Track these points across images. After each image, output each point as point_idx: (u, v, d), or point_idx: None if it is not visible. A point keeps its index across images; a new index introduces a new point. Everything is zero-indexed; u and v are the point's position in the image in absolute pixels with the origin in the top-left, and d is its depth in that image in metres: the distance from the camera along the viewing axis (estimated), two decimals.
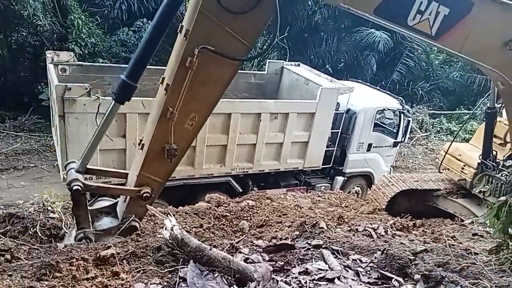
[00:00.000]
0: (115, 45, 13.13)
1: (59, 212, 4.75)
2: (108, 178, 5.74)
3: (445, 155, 8.02)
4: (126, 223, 4.09)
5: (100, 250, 3.46)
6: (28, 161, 10.85)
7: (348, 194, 8.61)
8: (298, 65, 10.67)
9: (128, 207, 4.17)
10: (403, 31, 4.75)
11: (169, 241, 3.32)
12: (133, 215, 4.16)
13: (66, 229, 4.43)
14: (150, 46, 3.64)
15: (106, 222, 4.26)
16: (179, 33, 3.59)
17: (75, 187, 3.80)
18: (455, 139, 9.30)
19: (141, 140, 4.05)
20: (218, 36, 3.54)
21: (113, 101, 3.80)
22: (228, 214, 5.65)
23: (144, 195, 4.04)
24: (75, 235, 4.06)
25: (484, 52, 5.11)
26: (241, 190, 8.34)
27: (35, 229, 4.31)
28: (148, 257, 3.40)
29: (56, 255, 3.40)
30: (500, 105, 6.93)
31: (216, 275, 2.97)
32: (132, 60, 3.70)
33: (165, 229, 3.60)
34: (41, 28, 12.54)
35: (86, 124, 6.74)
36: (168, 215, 4.38)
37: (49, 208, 4.80)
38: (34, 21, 12.22)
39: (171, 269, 3.18)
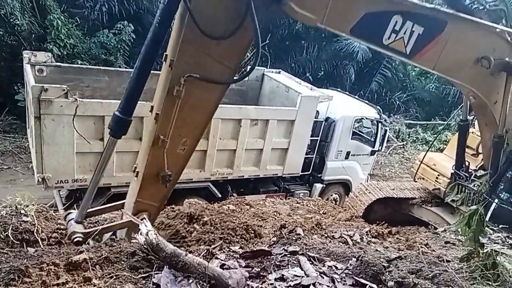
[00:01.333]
0: (94, 47, 12.92)
1: (32, 216, 4.62)
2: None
3: (420, 165, 8.22)
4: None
5: (72, 255, 3.38)
6: (2, 163, 10.54)
7: (326, 201, 8.72)
8: (279, 72, 10.77)
9: (127, 232, 4.16)
10: (379, 49, 4.84)
11: (144, 246, 3.27)
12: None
13: (38, 235, 4.34)
14: (140, 78, 3.65)
15: None
16: (164, 62, 3.65)
17: (76, 240, 3.85)
18: (430, 149, 9.55)
19: (135, 168, 4.08)
20: (202, 63, 3.63)
21: (110, 137, 3.80)
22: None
23: (142, 219, 3.99)
24: None
25: (457, 69, 5.31)
26: (220, 196, 8.31)
27: (6, 233, 4.18)
28: (122, 262, 3.34)
29: (25, 260, 3.30)
30: (472, 117, 7.17)
31: (190, 281, 2.95)
32: (124, 95, 3.70)
33: (140, 234, 3.55)
34: (18, 28, 12.22)
35: (63, 126, 6.61)
36: (144, 219, 4.34)
37: (22, 211, 4.67)
38: (11, 20, 11.91)
39: (145, 275, 3.13)
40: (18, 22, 11.92)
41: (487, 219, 6.17)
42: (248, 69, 10.64)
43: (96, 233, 4.03)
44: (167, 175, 3.94)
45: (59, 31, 11.84)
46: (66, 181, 6.94)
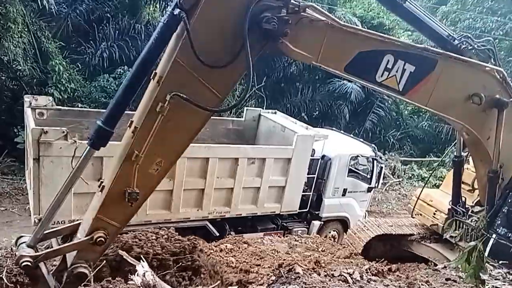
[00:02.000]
0: (95, 90, 13.25)
1: None
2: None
3: (417, 201, 8.27)
4: (73, 270, 3.67)
5: None
6: None
7: (325, 239, 8.64)
8: (275, 113, 11.02)
9: (78, 252, 3.76)
10: (373, 86, 5.00)
11: (141, 287, 3.25)
12: (83, 261, 3.76)
13: None
14: (128, 92, 3.59)
15: None
16: (152, 80, 3.59)
17: (24, 264, 3.49)
18: (426, 185, 9.62)
19: (101, 182, 3.78)
20: (191, 86, 3.56)
21: (88, 147, 3.67)
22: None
23: (98, 239, 3.67)
24: None
25: (448, 106, 5.43)
26: (218, 234, 8.25)
27: (1, 275, 4.14)
28: None
29: None
30: (466, 153, 7.31)
31: None
32: (109, 106, 3.66)
33: (137, 275, 3.53)
34: (20, 73, 12.59)
35: (61, 168, 6.66)
36: (141, 260, 4.30)
37: (17, 253, 4.63)
38: (14, 66, 12.29)
39: None
40: (20, 68, 12.27)
41: (486, 254, 6.16)
42: (245, 110, 10.90)
43: (46, 256, 3.70)
44: (134, 193, 3.64)
45: (61, 76, 12.16)
46: (63, 222, 6.88)
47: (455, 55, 5.31)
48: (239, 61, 3.57)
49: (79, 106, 11.96)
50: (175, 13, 3.31)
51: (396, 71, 4.82)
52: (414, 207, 8.34)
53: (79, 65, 13.62)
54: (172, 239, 4.44)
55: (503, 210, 6.49)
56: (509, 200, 6.38)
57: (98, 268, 3.95)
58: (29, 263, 3.46)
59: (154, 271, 4.06)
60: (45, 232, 3.78)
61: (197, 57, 3.39)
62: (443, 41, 5.85)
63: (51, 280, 3.65)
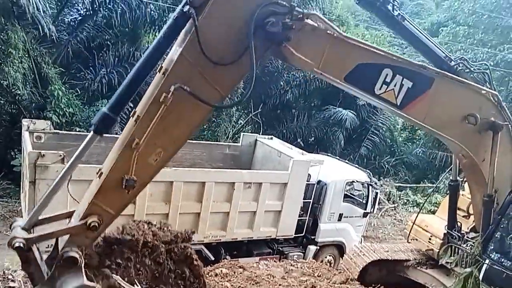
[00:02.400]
0: (93, 115, 13.32)
1: (19, 281, 4.56)
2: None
3: (412, 226, 8.28)
4: (63, 254, 3.57)
5: None
6: None
7: (321, 263, 8.56)
8: (271, 138, 11.16)
9: (71, 236, 3.70)
10: (372, 99, 5.11)
11: None
12: (75, 246, 3.65)
13: None
14: (134, 83, 3.63)
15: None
16: (158, 72, 3.69)
17: (16, 245, 3.43)
18: (421, 211, 9.66)
19: (100, 169, 3.74)
20: (195, 81, 3.67)
21: (91, 132, 3.64)
22: None
23: (92, 224, 3.61)
24: None
25: (445, 124, 5.56)
26: (213, 259, 8.17)
27: None
28: None
29: None
30: (462, 178, 7.39)
31: None
32: (115, 95, 3.68)
33: None
34: (19, 97, 12.71)
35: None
36: (135, 284, 4.27)
37: (10, 276, 4.61)
38: (13, 90, 12.43)
39: None
40: (19, 92, 12.39)
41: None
42: (241, 135, 10.94)
43: (38, 238, 3.61)
44: (132, 180, 3.62)
45: (59, 101, 12.28)
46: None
47: (451, 75, 5.47)
48: (242, 62, 3.70)
49: (77, 130, 12.03)
50: (184, 10, 3.46)
51: (394, 86, 4.96)
52: (410, 232, 8.34)
53: (78, 90, 13.78)
54: (165, 228, 4.22)
55: (496, 235, 6.55)
56: (502, 226, 6.45)
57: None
58: (21, 245, 3.42)
59: (145, 259, 3.88)
60: (40, 218, 3.71)
61: (203, 52, 3.51)
62: (439, 61, 5.99)
63: (43, 265, 3.61)
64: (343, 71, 4.62)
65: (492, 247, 6.48)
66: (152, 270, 3.77)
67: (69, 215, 3.87)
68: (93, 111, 13.44)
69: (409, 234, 8.37)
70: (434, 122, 5.45)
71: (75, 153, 3.64)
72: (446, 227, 7.29)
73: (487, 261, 6.26)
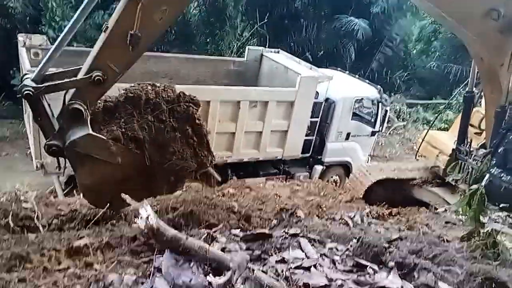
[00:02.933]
0: (90, 28, 12.68)
1: (32, 202, 4.63)
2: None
3: (421, 143, 8.20)
4: (68, 106, 3.72)
5: (73, 240, 3.39)
6: (0, 149, 10.47)
7: (327, 183, 8.69)
8: (278, 52, 10.62)
9: (76, 91, 3.80)
10: None
11: (145, 230, 3.27)
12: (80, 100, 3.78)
13: (38, 221, 4.31)
14: None
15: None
16: None
17: (25, 92, 3.61)
18: (431, 128, 9.50)
19: (105, 24, 3.74)
20: None
21: None
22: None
23: (96, 78, 3.69)
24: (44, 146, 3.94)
25: (465, 16, 5.37)
26: (220, 179, 8.28)
27: (7, 220, 4.19)
28: (123, 247, 3.36)
29: (26, 246, 3.31)
30: (478, 92, 7.06)
31: (192, 264, 2.96)
32: None
33: (141, 218, 3.54)
34: (13, 11, 12.02)
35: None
36: (144, 203, 4.33)
37: (22, 198, 4.67)
38: (5, 3, 11.70)
39: (146, 259, 3.15)
40: (12, 5, 11.72)
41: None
42: (246, 49, 10.56)
43: (47, 89, 3.75)
44: (137, 36, 3.62)
45: (54, 13, 11.66)
46: (65, 167, 6.91)
47: None
48: None
49: (74, 45, 11.50)
50: None
51: None
52: (418, 149, 8.30)
53: (72, 1, 12.92)
54: (169, 89, 4.13)
55: (499, 150, 6.43)
56: (506, 141, 6.27)
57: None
58: (30, 93, 3.58)
59: (147, 116, 3.88)
60: (48, 73, 3.80)
61: None
62: None
63: (54, 121, 3.77)
64: None
65: (494, 162, 6.39)
66: (155, 126, 3.82)
67: (74, 72, 3.92)
68: (89, 24, 12.71)
69: (417, 151, 8.35)
70: (456, 12, 5.26)
71: (78, 11, 3.68)
72: (456, 142, 7.18)
73: (486, 175, 6.21)
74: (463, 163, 7.02)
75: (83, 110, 3.72)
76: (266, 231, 4.06)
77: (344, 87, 10.03)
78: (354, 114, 10.07)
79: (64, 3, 12.41)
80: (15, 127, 11.40)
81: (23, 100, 8.13)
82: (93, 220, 4.29)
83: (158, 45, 14.13)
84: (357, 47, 17.79)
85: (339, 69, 11.82)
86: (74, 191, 7.46)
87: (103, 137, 3.77)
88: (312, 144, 9.70)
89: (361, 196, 7.52)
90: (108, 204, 4.08)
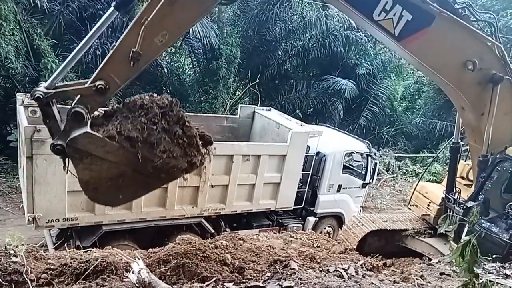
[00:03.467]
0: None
1: (22, 256, 4.56)
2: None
3: (413, 192, 8.37)
4: (72, 109, 4.11)
5: None
6: None
7: (320, 234, 8.67)
8: (269, 109, 11.03)
9: (80, 97, 4.21)
10: (370, 24, 5.21)
11: (136, 285, 3.25)
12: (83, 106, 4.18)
13: (27, 276, 4.24)
14: None
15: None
16: None
17: (36, 95, 4.05)
18: (421, 179, 9.76)
19: (113, 44, 4.33)
20: None
21: (112, 8, 4.15)
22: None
23: (99, 86, 4.14)
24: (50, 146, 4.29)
25: (443, 66, 5.62)
26: (213, 231, 8.25)
27: None
28: None
29: None
30: (464, 143, 7.30)
31: None
32: None
33: (132, 273, 3.53)
34: (13, 71, 12.46)
35: (55, 165, 6.61)
36: (136, 257, 4.30)
37: (11, 252, 4.60)
38: (6, 64, 12.16)
39: None
40: (12, 66, 12.13)
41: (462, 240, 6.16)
42: (239, 107, 11.03)
43: (55, 94, 4.15)
44: (138, 53, 4.13)
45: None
46: (57, 220, 6.87)
47: (454, 17, 5.41)
48: None
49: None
50: None
51: (393, 15, 5.11)
52: (411, 198, 8.47)
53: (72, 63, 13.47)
54: (164, 98, 4.39)
55: (479, 198, 6.50)
56: (486, 189, 6.41)
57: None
58: (40, 96, 4.02)
59: (141, 118, 4.14)
60: (59, 84, 4.24)
61: None
62: (443, 1, 5.77)
63: (58, 117, 4.18)
64: None
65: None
66: (147, 127, 4.09)
67: (84, 84, 4.36)
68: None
69: (409, 200, 8.50)
70: (431, 61, 5.51)
71: (94, 27, 4.17)
72: (444, 191, 7.30)
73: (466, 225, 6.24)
74: (452, 214, 7.09)
75: (84, 114, 4.11)
76: (260, 283, 4.03)
77: (334, 142, 10.35)
78: (345, 167, 10.30)
79: None
80: (8, 182, 11.39)
81: (18, 155, 8.26)
82: (84, 274, 4.24)
83: None
84: (345, 105, 18.51)
85: (328, 125, 12.27)
86: (65, 245, 7.34)
87: (100, 135, 4.08)
88: (305, 196, 9.81)
89: (354, 247, 7.49)
90: (107, 199, 4.43)
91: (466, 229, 5.93)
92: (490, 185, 6.37)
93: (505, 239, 5.97)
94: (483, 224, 6.23)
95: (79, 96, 4.24)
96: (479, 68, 5.59)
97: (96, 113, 4.31)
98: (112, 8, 4.13)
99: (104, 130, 4.14)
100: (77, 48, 4.25)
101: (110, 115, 4.29)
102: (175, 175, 4.33)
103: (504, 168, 6.24)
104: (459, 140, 7.17)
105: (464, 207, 6.54)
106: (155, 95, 4.44)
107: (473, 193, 6.49)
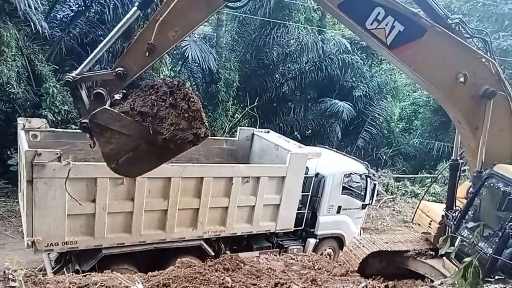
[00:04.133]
0: None
1: (20, 280, 4.52)
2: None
3: (416, 211, 8.44)
4: (95, 91, 4.72)
5: None
6: None
7: (321, 256, 8.60)
8: (268, 132, 11.11)
9: (103, 81, 4.90)
10: (363, 32, 5.45)
11: None
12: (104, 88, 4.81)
13: None
14: None
15: None
16: None
17: (66, 79, 4.66)
18: (423, 199, 9.87)
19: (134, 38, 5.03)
20: None
21: (135, 8, 4.74)
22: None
23: (118, 72, 4.77)
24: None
25: (436, 78, 5.78)
26: (213, 254, 8.18)
27: None
28: None
29: None
30: (464, 162, 7.33)
31: None
32: None
33: None
34: (14, 96, 12.60)
35: (55, 189, 6.64)
36: (135, 281, 4.28)
37: (10, 276, 4.57)
38: (7, 89, 12.31)
39: None
40: (13, 91, 12.27)
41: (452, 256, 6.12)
42: (238, 129, 11.19)
43: (82, 79, 4.72)
44: (152, 45, 4.75)
45: (54, 98, 12.13)
46: (56, 244, 6.82)
47: (446, 31, 5.59)
48: None
49: (73, 128, 11.92)
50: None
51: (386, 25, 5.34)
52: (414, 216, 8.54)
53: None
54: (175, 81, 4.89)
55: (469, 214, 6.56)
56: (474, 205, 6.51)
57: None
58: (69, 79, 4.61)
59: (151, 96, 4.57)
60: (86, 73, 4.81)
61: None
62: (437, 17, 5.96)
63: (86, 101, 4.73)
64: None
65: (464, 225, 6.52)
66: (157, 103, 4.49)
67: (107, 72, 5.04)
68: None
69: (413, 219, 8.57)
70: (423, 71, 5.67)
71: (116, 27, 4.79)
72: (444, 208, 7.30)
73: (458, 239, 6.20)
74: (452, 235, 7.09)
75: (105, 94, 4.68)
76: None
77: (333, 163, 10.41)
78: (344, 188, 10.32)
79: (65, 89, 13.09)
80: (8, 206, 11.35)
81: (18, 179, 8.29)
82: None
83: None
84: (343, 126, 18.70)
85: (326, 147, 12.35)
86: (64, 269, 7.26)
87: (116, 111, 4.55)
88: (305, 217, 9.76)
89: (356, 269, 7.42)
90: (126, 170, 4.90)
91: (457, 242, 5.93)
92: (480, 202, 6.38)
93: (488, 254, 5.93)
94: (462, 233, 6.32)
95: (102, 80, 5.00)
96: (473, 83, 5.72)
97: (116, 96, 4.84)
98: (135, 8, 4.72)
99: (120, 107, 4.64)
100: (102, 43, 4.85)
101: (127, 96, 4.85)
102: (183, 147, 4.68)
103: (492, 185, 6.28)
104: (458, 158, 7.23)
105: (454, 221, 6.59)
106: (168, 79, 5.03)
107: (463, 208, 6.52)
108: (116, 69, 4.81)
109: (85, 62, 4.84)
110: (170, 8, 4.72)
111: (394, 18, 5.31)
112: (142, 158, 4.73)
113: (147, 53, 4.81)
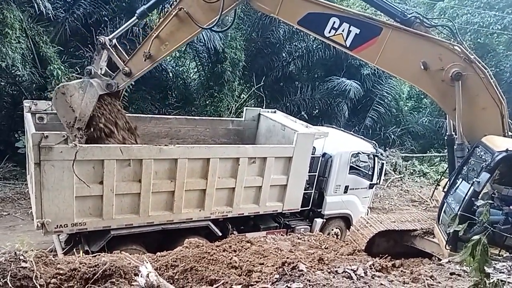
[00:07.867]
0: None
1: (31, 261, 4.58)
2: None
3: (435, 187, 8.52)
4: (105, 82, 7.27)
5: None
6: (1, 209, 10.56)
7: (328, 236, 8.63)
8: (275, 112, 11.03)
9: (115, 75, 7.40)
10: (324, 40, 6.45)
11: None
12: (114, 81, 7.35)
13: (37, 281, 4.26)
14: None
15: None
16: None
17: (99, 39, 7.34)
18: (442, 176, 9.82)
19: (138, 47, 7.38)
20: (194, 9, 6.70)
21: (135, 17, 7.35)
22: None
23: (125, 70, 7.23)
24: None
25: (399, 68, 6.49)
26: (220, 234, 8.25)
27: (5, 280, 4.13)
28: None
29: None
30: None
31: None
32: None
33: (141, 276, 3.53)
34: (19, 78, 12.60)
35: (63, 171, 6.69)
36: (144, 261, 4.31)
37: (21, 257, 4.63)
38: (13, 71, 12.29)
39: None
40: (19, 73, 12.28)
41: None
42: (244, 110, 11.42)
43: (109, 50, 7.43)
44: (148, 53, 6.99)
45: (60, 80, 12.10)
46: (65, 226, 6.92)
47: (400, 25, 6.27)
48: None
49: None
50: None
51: (342, 31, 6.18)
52: (433, 193, 8.86)
53: (78, 69, 13.59)
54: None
55: (457, 181, 6.78)
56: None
57: None
58: (101, 40, 7.36)
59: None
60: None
61: None
62: (392, 15, 6.64)
63: (104, 61, 7.55)
64: (296, 17, 6.34)
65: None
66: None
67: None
68: None
69: (432, 195, 8.84)
70: (386, 64, 6.46)
71: (122, 26, 7.79)
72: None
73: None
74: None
75: (113, 84, 7.33)
76: (268, 286, 4.01)
77: (340, 143, 10.32)
78: (352, 168, 10.24)
79: (70, 71, 13.06)
80: (17, 188, 11.51)
81: (26, 162, 8.38)
82: (93, 278, 4.26)
83: (159, 107, 14.68)
84: (350, 105, 18.44)
85: (334, 126, 12.22)
86: (74, 250, 7.39)
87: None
88: (312, 197, 9.77)
89: (363, 248, 7.43)
90: None
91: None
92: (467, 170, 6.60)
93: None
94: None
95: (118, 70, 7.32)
96: (440, 68, 6.19)
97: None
98: (135, 17, 7.28)
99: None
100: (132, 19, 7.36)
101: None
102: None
103: (477, 154, 6.46)
104: (452, 133, 7.20)
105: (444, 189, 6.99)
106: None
107: (452, 175, 6.75)
108: (125, 68, 7.13)
109: (116, 32, 7.52)
110: (162, 28, 6.75)
111: (349, 24, 6.08)
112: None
113: (144, 59, 6.96)
